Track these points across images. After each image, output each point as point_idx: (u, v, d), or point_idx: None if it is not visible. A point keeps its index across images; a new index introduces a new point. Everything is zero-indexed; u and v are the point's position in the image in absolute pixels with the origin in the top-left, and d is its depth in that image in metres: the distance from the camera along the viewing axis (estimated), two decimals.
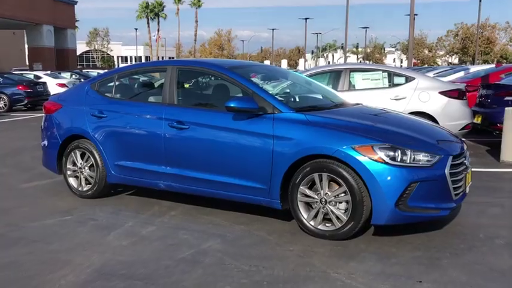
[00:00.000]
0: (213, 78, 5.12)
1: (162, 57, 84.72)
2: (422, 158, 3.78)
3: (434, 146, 3.97)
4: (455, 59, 70.83)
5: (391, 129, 4.10)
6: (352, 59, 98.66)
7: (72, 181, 5.46)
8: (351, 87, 8.26)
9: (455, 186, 3.93)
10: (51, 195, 5.56)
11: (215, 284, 3.21)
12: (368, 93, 7.95)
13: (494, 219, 4.58)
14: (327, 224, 4.01)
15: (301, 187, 4.04)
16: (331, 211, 3.93)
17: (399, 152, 3.75)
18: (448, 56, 70.54)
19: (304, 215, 4.07)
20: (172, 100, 4.81)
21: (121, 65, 64.82)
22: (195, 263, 3.55)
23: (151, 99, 5.12)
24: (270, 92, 4.50)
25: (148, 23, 76.33)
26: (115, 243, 4.00)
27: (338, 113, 4.42)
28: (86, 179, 5.37)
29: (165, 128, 4.70)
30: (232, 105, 4.23)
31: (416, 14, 59.13)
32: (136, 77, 5.97)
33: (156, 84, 5.62)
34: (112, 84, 5.40)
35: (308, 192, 4.02)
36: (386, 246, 3.85)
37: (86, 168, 5.34)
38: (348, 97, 5.65)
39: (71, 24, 46.46)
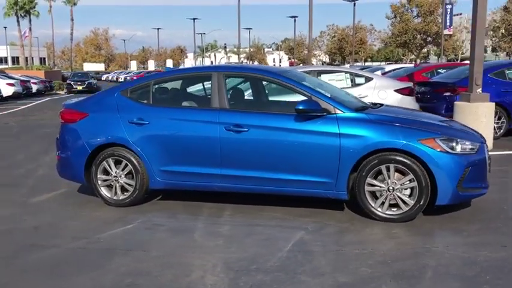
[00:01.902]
0: (264, 83, 5.42)
1: (32, 58, 78.15)
2: (469, 146, 4.55)
3: (473, 135, 4.77)
4: (326, 59, 76.36)
5: (437, 124, 4.84)
6: (234, 59, 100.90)
7: (104, 191, 5.36)
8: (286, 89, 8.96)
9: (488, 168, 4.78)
10: (80, 207, 5.39)
11: (348, 267, 3.61)
12: (300, 95, 8.72)
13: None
14: (392, 209, 4.60)
15: (368, 178, 4.58)
16: (399, 197, 4.53)
17: (454, 142, 4.48)
18: (323, 55, 75.75)
19: (371, 203, 4.61)
20: (223, 105, 5.02)
21: None
22: (307, 253, 3.90)
23: (195, 104, 5.26)
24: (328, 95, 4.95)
25: (18, 21, 70.11)
26: (210, 244, 4.17)
27: (387, 111, 5.04)
28: (123, 187, 5.32)
29: (221, 132, 4.91)
30: (301, 107, 4.63)
31: (296, 16, 62.65)
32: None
33: (195, 90, 5.73)
34: (148, 90, 5.40)
35: (375, 182, 4.58)
36: (448, 223, 4.55)
37: (123, 176, 5.28)
38: (287, 99, 6.16)
39: None
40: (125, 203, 5.29)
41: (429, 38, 46.17)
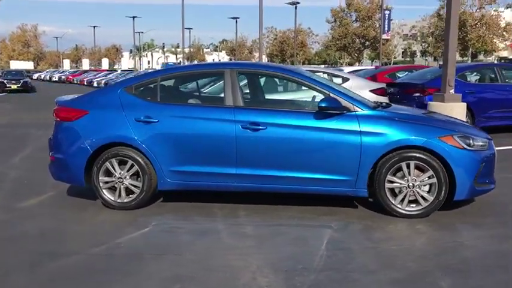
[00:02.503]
0: (276, 80, 5.33)
1: None
2: (481, 142, 4.73)
3: (481, 132, 4.97)
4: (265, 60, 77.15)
5: (450, 121, 5.00)
6: (172, 59, 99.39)
7: (107, 193, 5.05)
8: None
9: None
10: (78, 211, 5.04)
11: (394, 263, 3.63)
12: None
13: None
14: (411, 205, 4.68)
15: (388, 175, 4.64)
16: (418, 193, 4.63)
17: (470, 139, 4.65)
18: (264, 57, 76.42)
19: (391, 200, 4.67)
20: (238, 102, 4.89)
21: None
22: (346, 250, 3.88)
23: (206, 102, 5.09)
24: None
25: None
26: (242, 245, 4.04)
27: (401, 110, 5.13)
28: (127, 189, 5.04)
29: (237, 130, 4.78)
30: (324, 105, 4.62)
31: (237, 17, 62.74)
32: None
33: (205, 87, 5.53)
34: (155, 87, 5.16)
35: (395, 179, 4.64)
36: (463, 218, 4.70)
37: (128, 177, 5.01)
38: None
39: None
40: (130, 205, 5.01)
41: (367, 42, 47.94)
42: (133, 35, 66.71)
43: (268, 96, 5.49)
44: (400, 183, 4.65)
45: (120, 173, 5.00)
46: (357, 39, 47.84)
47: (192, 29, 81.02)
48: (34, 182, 6.28)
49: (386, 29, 41.22)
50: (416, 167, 4.63)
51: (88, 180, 5.09)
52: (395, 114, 4.85)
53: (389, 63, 60.61)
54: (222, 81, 5.39)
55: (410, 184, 4.62)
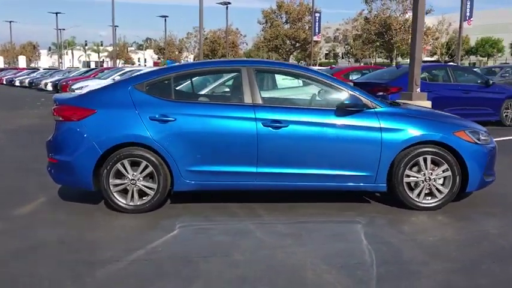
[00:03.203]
0: (289, 78, 5.31)
1: None
2: (485, 137, 5.04)
3: (482, 127, 5.29)
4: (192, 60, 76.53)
5: (455, 117, 5.27)
6: (94, 57, 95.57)
7: (118, 196, 4.79)
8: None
9: None
10: (88, 216, 4.73)
11: (440, 253, 3.76)
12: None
13: None
14: (427, 198, 4.88)
15: (406, 170, 4.81)
16: (434, 186, 4.84)
17: (479, 134, 4.94)
18: (192, 57, 75.76)
19: (409, 193, 4.85)
20: (257, 100, 4.83)
21: None
22: (388, 244, 3.97)
23: (224, 100, 4.97)
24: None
25: None
26: (284, 243, 3.99)
27: (412, 106, 5.33)
28: (140, 192, 4.81)
29: (258, 128, 4.73)
30: (349, 102, 4.71)
31: (166, 16, 61.60)
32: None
33: (219, 85, 5.37)
34: (169, 85, 4.95)
35: (411, 173, 4.82)
36: (474, 208, 4.97)
37: (141, 179, 4.78)
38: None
39: None
40: (144, 208, 4.78)
41: (298, 44, 49.05)
42: (56, 32, 63.27)
43: (284, 94, 5.47)
44: (417, 177, 4.83)
45: (133, 174, 4.76)
46: (288, 41, 48.81)
47: (117, 26, 78.51)
48: (15, 188, 5.80)
49: (317, 31, 42.48)
50: (432, 161, 4.84)
51: (96, 183, 4.80)
52: (410, 111, 5.05)
53: (315, 64, 62.54)
54: (222, 79, 5.33)
55: (427, 178, 4.83)
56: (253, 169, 4.79)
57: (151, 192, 4.79)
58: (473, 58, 66.40)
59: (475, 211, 4.91)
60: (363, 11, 44.44)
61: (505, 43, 64.85)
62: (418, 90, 9.14)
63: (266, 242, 4.04)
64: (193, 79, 5.33)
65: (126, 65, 55.94)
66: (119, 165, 4.74)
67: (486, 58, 64.71)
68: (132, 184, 4.77)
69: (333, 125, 4.77)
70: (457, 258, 3.68)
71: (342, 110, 4.78)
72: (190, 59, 75.91)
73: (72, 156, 4.77)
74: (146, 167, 4.75)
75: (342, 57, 76.94)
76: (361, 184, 4.87)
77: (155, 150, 4.73)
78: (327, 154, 4.78)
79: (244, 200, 5.13)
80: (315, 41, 44.16)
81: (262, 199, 5.17)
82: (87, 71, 30.95)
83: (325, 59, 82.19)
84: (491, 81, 11.48)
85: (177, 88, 5.00)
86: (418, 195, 4.86)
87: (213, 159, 4.78)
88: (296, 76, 5.27)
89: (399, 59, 54.69)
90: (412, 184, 4.87)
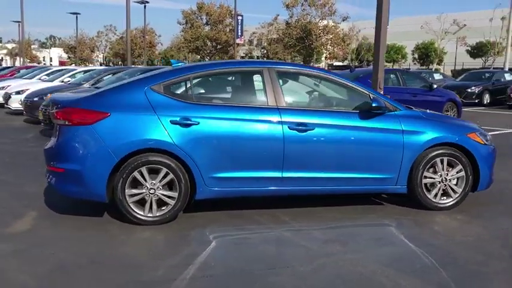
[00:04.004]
0: (311, 79, 5.18)
1: None
2: (488, 138, 5.30)
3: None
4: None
5: (463, 120, 5.46)
6: None
7: (135, 208, 4.39)
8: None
9: None
10: (100, 231, 4.28)
11: (492, 252, 3.85)
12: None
13: None
14: (443, 198, 5.02)
15: (425, 172, 4.91)
16: (449, 187, 4.99)
17: (486, 135, 5.18)
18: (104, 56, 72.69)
19: (427, 194, 4.95)
20: (281, 103, 4.67)
21: None
22: (432, 246, 3.99)
23: (247, 102, 4.74)
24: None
25: None
26: (332, 249, 3.88)
27: (424, 110, 5.43)
28: (159, 201, 4.44)
29: (284, 131, 4.57)
30: (376, 105, 4.70)
31: (78, 13, 58.59)
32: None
33: (240, 86, 5.08)
34: (188, 86, 4.62)
35: (429, 174, 4.93)
36: (482, 207, 5.15)
37: (160, 187, 4.42)
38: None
39: None
40: (164, 219, 4.43)
41: (219, 46, 48.82)
42: None
43: (306, 97, 5.32)
44: (434, 178, 4.96)
45: (152, 183, 4.38)
46: (209, 42, 48.41)
47: (20, 22, 73.11)
48: None
49: (239, 33, 42.61)
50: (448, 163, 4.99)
51: (109, 195, 4.36)
52: (426, 114, 5.17)
53: None
54: (243, 81, 5.12)
55: (443, 178, 4.96)
56: (278, 174, 4.62)
57: (172, 202, 4.44)
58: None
59: (485, 210, 5.10)
60: (278, 15, 45.31)
61: (408, 50, 69.77)
62: (382, 93, 9.44)
63: (313, 249, 3.90)
64: (213, 80, 5.02)
65: (30, 64, 51.98)
66: (136, 174, 4.34)
67: (392, 64, 69.08)
68: (151, 193, 4.39)
69: (358, 128, 4.75)
70: (507, 258, 3.79)
71: (367, 112, 4.78)
72: (101, 58, 72.74)
73: (82, 164, 4.28)
74: (166, 174, 4.40)
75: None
76: (384, 186, 4.90)
77: (176, 156, 4.39)
78: (352, 157, 4.74)
79: (258, 206, 4.93)
80: (237, 44, 44.21)
81: (275, 205, 5.01)
82: None
83: None
84: (434, 86, 12.20)
85: (197, 89, 4.68)
86: (435, 195, 4.98)
87: (238, 164, 4.54)
88: (316, 78, 5.17)
89: (318, 64, 56.63)
90: (428, 185, 4.99)
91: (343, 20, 41.95)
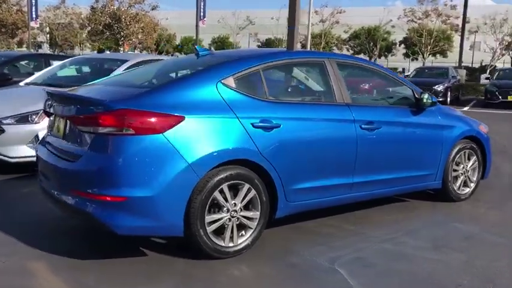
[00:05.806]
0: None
1: None
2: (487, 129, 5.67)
3: None
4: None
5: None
6: None
7: (214, 238, 3.37)
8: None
9: None
10: (149, 280, 3.19)
11: None
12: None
13: None
14: (462, 189, 5.18)
15: (453, 164, 5.00)
16: (468, 177, 5.18)
17: (485, 127, 5.53)
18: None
19: (454, 186, 5.04)
20: (347, 99, 4.14)
21: None
22: (485, 243, 3.95)
23: (317, 99, 4.07)
24: None
25: None
26: (430, 256, 3.60)
27: None
28: (240, 225, 3.51)
29: (358, 131, 4.09)
30: (433, 100, 4.57)
31: None
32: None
33: (304, 80, 4.20)
34: (258, 79, 3.68)
35: (455, 167, 5.04)
36: (494, 195, 5.44)
37: (242, 208, 3.49)
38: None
39: None
40: (246, 246, 3.51)
41: (4, 29, 42.14)
42: None
43: (364, 91, 4.76)
44: (458, 170, 5.09)
45: (233, 203, 3.42)
46: None
47: None
48: None
49: (34, 16, 37.51)
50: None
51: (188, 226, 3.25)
52: (448, 108, 5.25)
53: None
54: (305, 74, 4.44)
55: (465, 170, 5.13)
56: (349, 179, 4.11)
57: (253, 224, 3.55)
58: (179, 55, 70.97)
59: (500, 197, 5.39)
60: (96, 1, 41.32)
61: (205, 43, 71.56)
62: None
63: (410, 254, 3.58)
64: (278, 72, 4.12)
65: None
66: (216, 194, 3.33)
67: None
68: (232, 217, 3.43)
69: (413, 125, 4.58)
70: None
71: (417, 108, 4.60)
72: None
73: (155, 188, 3.07)
74: (248, 191, 3.48)
75: (50, 47, 70.87)
76: (428, 183, 4.83)
77: (262, 167, 3.52)
78: (410, 155, 4.54)
79: (304, 218, 4.25)
80: (32, 27, 38.89)
81: (318, 213, 4.41)
82: None
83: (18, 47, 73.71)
84: None
85: (269, 84, 3.76)
86: (459, 187, 5.12)
87: (318, 172, 3.88)
88: (370, 72, 4.74)
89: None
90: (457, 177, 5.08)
91: (153, 9, 40.66)
